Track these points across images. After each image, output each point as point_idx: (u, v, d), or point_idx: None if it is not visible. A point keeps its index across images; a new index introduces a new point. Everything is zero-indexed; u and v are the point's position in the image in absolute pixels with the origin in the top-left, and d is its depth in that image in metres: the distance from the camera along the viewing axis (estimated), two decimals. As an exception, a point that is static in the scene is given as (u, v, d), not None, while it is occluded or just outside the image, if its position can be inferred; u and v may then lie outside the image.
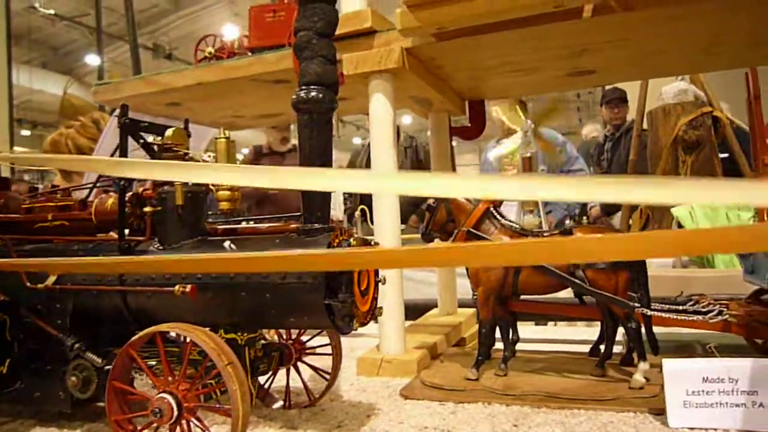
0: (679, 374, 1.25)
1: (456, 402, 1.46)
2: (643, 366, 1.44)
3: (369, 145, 2.91)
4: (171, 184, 1.33)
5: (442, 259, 0.74)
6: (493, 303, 1.59)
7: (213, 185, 1.35)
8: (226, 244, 1.25)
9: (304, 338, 1.53)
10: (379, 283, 1.31)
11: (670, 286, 2.51)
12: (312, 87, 1.23)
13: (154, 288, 1.27)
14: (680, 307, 1.56)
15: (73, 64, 14.46)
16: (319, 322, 1.23)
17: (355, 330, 1.22)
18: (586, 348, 1.74)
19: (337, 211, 5.95)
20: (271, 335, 1.54)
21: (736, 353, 1.58)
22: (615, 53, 1.89)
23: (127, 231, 1.38)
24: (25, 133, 17.01)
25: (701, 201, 0.50)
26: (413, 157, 4.59)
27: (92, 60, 12.30)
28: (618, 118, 5.18)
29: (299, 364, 1.52)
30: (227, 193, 1.34)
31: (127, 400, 1.20)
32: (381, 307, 1.32)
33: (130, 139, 1.34)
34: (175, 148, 1.36)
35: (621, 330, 1.54)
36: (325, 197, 1.26)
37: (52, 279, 1.33)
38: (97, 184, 1.47)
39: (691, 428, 1.23)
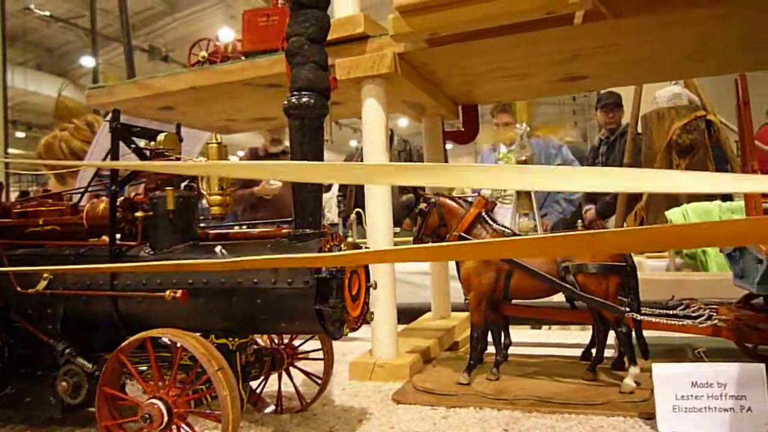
0: (669, 379, 1.26)
1: (447, 406, 1.47)
2: (634, 370, 1.45)
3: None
4: (162, 189, 1.33)
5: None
6: (485, 307, 1.59)
7: (204, 190, 1.35)
8: (217, 249, 1.25)
9: (296, 343, 1.53)
10: (371, 288, 1.31)
11: (663, 290, 2.52)
12: (303, 93, 1.23)
13: (145, 293, 1.27)
14: (670, 312, 1.57)
15: (68, 65, 14.43)
16: (309, 327, 1.23)
17: (346, 335, 1.22)
18: (579, 352, 1.75)
19: (331, 213, 5.97)
20: (265, 340, 1.54)
21: (726, 357, 1.59)
22: (607, 59, 1.90)
23: (118, 236, 1.39)
24: (20, 135, 16.96)
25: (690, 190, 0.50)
26: (407, 161, 4.60)
27: (88, 62, 12.28)
28: (613, 122, 5.21)
29: (291, 368, 1.53)
30: (218, 198, 1.34)
31: (117, 406, 1.20)
32: (372, 312, 1.32)
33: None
34: (166, 153, 1.36)
35: (613, 334, 1.55)
36: (316, 202, 1.26)
37: (42, 284, 1.33)
38: (89, 189, 1.46)
39: (680, 433, 1.24)
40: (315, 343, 1.51)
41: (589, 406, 1.38)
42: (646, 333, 1.57)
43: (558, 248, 0.62)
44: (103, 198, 1.46)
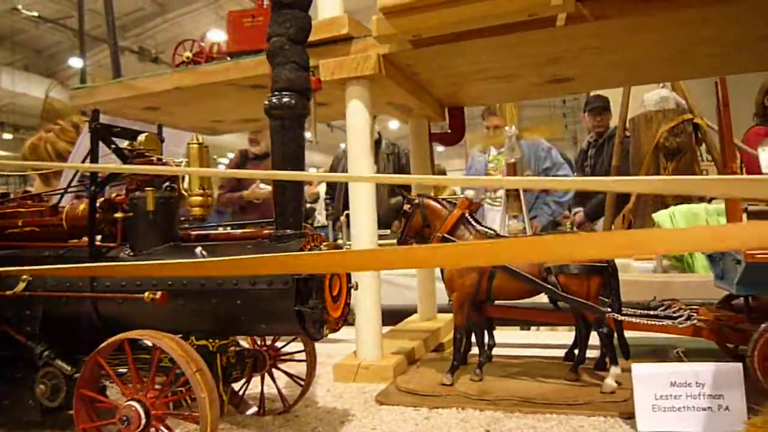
0: (648, 379, 1.27)
1: (430, 407, 1.47)
2: (615, 370, 1.46)
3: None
4: (143, 189, 1.32)
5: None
6: (468, 308, 1.60)
7: (185, 190, 1.34)
8: (198, 250, 1.24)
9: (278, 344, 1.53)
10: (352, 289, 1.31)
11: (651, 291, 2.54)
12: (284, 93, 1.23)
13: (125, 294, 1.26)
14: (651, 312, 1.58)
15: (56, 67, 14.34)
16: (289, 328, 1.23)
17: (326, 336, 1.22)
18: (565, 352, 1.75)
19: (322, 216, 5.96)
20: (250, 342, 1.53)
21: (707, 358, 1.60)
22: (591, 61, 1.91)
23: (99, 237, 1.38)
24: (7, 136, 16.83)
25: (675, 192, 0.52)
26: (396, 163, 4.60)
27: (76, 63, 12.20)
28: (600, 125, 5.23)
29: (274, 370, 1.52)
30: (199, 199, 1.34)
31: (96, 409, 1.19)
32: (354, 313, 1.32)
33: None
34: (147, 154, 1.35)
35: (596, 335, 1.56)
36: (297, 203, 1.26)
37: (21, 285, 1.32)
38: (68, 190, 1.45)
39: (660, 432, 1.25)
40: (298, 345, 1.51)
41: (571, 406, 1.39)
42: (631, 334, 1.58)
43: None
44: (84, 199, 1.45)
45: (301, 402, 1.52)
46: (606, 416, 1.34)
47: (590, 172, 5.31)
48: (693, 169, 4.40)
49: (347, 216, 4.53)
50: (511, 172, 3.91)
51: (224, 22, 2.06)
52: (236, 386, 1.50)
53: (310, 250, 1.20)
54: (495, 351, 1.80)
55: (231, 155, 5.90)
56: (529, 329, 2.77)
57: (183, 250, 1.30)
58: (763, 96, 4.10)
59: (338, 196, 4.81)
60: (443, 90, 2.21)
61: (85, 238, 1.41)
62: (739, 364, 1.25)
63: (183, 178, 1.34)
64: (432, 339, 2.12)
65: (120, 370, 1.22)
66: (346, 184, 2.31)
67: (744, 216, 1.48)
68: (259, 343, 1.52)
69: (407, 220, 1.66)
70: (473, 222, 1.62)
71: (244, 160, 4.92)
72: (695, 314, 1.57)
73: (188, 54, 2.02)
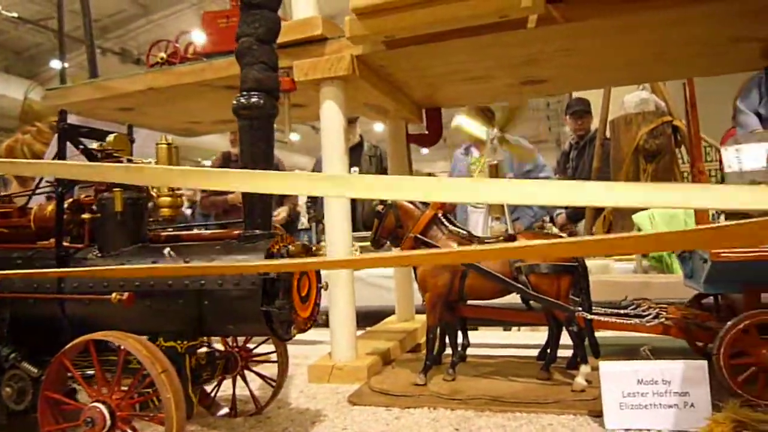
0: (616, 377, 1.28)
1: (402, 407, 1.47)
2: (585, 369, 1.47)
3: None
4: (111, 190, 1.31)
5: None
6: (441, 308, 1.60)
7: (153, 190, 1.34)
8: (166, 251, 1.24)
9: (250, 345, 1.52)
10: (322, 289, 1.31)
11: (630, 291, 2.55)
12: (253, 93, 1.23)
13: (92, 296, 1.25)
14: (621, 311, 1.59)
15: (37, 68, 14.14)
16: (257, 328, 1.22)
17: (294, 336, 1.22)
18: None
19: (305, 219, 5.93)
20: (223, 343, 1.52)
21: (678, 356, 1.62)
22: (564, 62, 1.93)
23: (68, 238, 1.37)
24: (-12, 138, 16.57)
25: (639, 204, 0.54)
26: (378, 165, 4.60)
27: (57, 64, 12.06)
28: (582, 128, 5.28)
29: (246, 372, 1.51)
30: (168, 200, 1.33)
31: (62, 411, 1.18)
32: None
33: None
34: (115, 154, 1.34)
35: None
36: (265, 204, 1.26)
37: (-13, 288, 1.30)
38: (36, 192, 1.44)
39: (627, 429, 1.26)
40: (271, 346, 1.50)
41: (541, 404, 1.40)
42: (605, 333, 1.59)
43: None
44: (54, 200, 1.43)
45: (273, 403, 1.51)
46: (575, 414, 1.35)
47: (572, 174, 5.36)
48: (672, 170, 4.45)
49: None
50: (493, 173, 3.93)
51: (206, 23, 2.04)
52: (208, 388, 1.50)
53: (278, 250, 1.20)
54: (470, 351, 1.81)
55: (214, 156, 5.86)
56: (510, 329, 2.78)
57: (151, 251, 1.29)
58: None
59: (320, 199, 4.80)
60: (420, 91, 2.21)
61: (54, 240, 1.40)
62: (705, 362, 1.27)
63: (152, 178, 1.33)
64: (409, 340, 2.12)
65: (89, 372, 1.21)
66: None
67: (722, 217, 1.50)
68: (231, 344, 1.51)
69: (380, 221, 1.66)
70: (446, 222, 1.63)
71: (226, 162, 4.89)
72: (663, 313, 1.58)
73: (162, 55, 2.01)
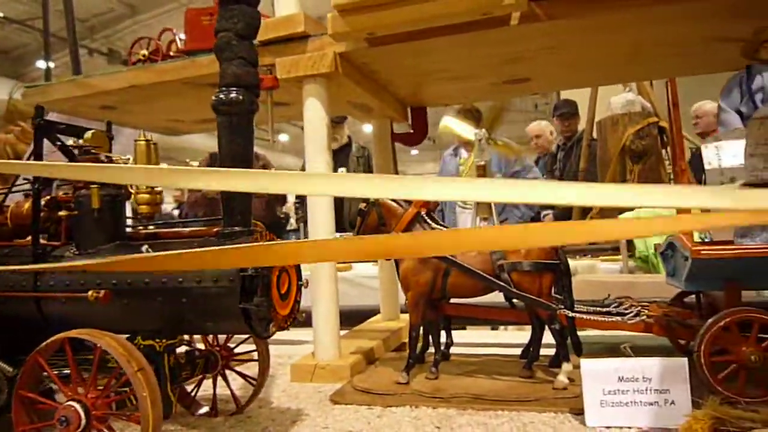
0: (596, 374, 1.28)
1: (384, 406, 1.46)
2: (567, 367, 1.47)
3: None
4: (88, 187, 1.29)
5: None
6: (423, 306, 1.59)
7: (132, 188, 1.32)
8: (144, 248, 1.22)
9: (231, 344, 1.51)
10: (302, 287, 1.30)
11: (616, 291, 2.56)
12: (231, 88, 1.21)
13: (68, 294, 1.23)
14: (603, 309, 1.59)
15: (23, 68, 14.01)
16: (236, 326, 1.21)
17: (273, 334, 1.20)
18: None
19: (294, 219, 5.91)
20: (212, 341, 1.51)
21: (660, 354, 1.63)
22: (547, 61, 1.93)
23: (45, 236, 1.35)
24: (-27, 138, 16.39)
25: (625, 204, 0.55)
26: (366, 166, 4.59)
27: (43, 64, 11.95)
28: (568, 130, 5.31)
29: (227, 371, 1.50)
30: (146, 197, 1.31)
31: (38, 410, 1.16)
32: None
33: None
34: (93, 151, 1.33)
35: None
36: (245, 201, 1.24)
37: (-39, 286, 1.28)
38: (12, 189, 1.42)
39: (608, 427, 1.26)
40: (253, 345, 1.49)
41: (522, 402, 1.39)
42: (589, 332, 1.59)
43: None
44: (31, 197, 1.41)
45: (255, 402, 1.50)
46: (557, 412, 1.35)
47: (559, 175, 5.38)
48: (659, 171, 4.48)
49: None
50: (481, 174, 3.92)
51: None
52: (188, 387, 1.48)
53: (257, 247, 1.19)
54: (455, 349, 1.81)
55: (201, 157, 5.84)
56: (497, 329, 2.78)
57: (129, 248, 1.28)
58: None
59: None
60: (404, 90, 2.21)
61: (30, 237, 1.38)
62: (685, 359, 1.27)
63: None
64: (393, 339, 2.11)
65: (66, 371, 1.19)
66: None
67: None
68: (211, 343, 1.50)
69: (363, 219, 1.65)
70: (429, 220, 1.62)
71: (214, 162, 4.87)
72: (645, 311, 1.59)
73: (144, 52, 1.99)
